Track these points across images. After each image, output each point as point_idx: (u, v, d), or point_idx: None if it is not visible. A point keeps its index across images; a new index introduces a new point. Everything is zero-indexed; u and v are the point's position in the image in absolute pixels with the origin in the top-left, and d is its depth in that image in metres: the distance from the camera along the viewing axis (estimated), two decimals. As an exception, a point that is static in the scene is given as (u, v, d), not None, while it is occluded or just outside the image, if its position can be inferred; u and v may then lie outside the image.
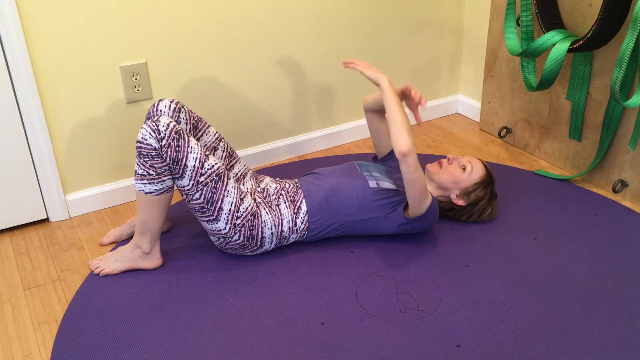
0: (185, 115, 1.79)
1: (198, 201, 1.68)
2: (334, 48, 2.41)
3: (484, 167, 1.94)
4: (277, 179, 1.96)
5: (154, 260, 1.79)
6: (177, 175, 1.66)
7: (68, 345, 1.53)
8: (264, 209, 1.78)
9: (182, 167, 1.63)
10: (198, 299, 1.67)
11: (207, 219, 1.72)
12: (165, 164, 1.64)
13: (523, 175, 2.28)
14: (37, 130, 1.94)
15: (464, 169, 1.91)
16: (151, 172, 1.64)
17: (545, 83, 2.09)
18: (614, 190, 2.11)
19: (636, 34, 1.77)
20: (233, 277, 1.76)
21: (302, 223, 1.81)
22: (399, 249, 1.86)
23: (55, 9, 1.85)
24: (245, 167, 1.94)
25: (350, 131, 2.59)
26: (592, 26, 1.91)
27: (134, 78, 2.04)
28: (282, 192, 1.85)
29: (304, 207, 1.81)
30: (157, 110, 1.78)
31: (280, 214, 1.79)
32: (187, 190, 1.68)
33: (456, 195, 1.91)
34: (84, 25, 1.91)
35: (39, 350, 1.54)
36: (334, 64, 2.43)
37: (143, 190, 1.67)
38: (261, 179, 1.95)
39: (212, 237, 1.78)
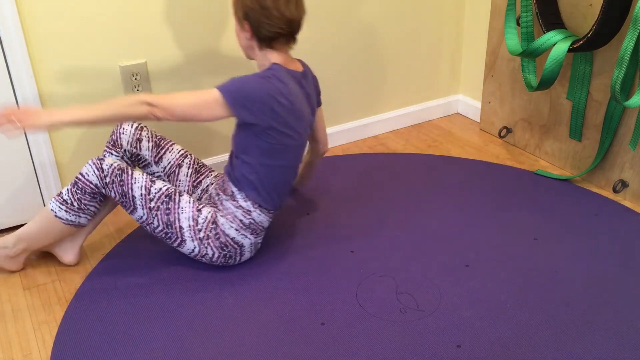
0: (147, 134, 1.85)
1: (159, 228, 1.70)
2: (334, 48, 2.41)
3: None
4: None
5: (14, 265, 1.80)
6: (130, 209, 1.70)
7: (68, 345, 1.53)
8: (217, 212, 1.71)
9: (130, 198, 1.68)
10: (198, 299, 1.67)
11: (177, 242, 1.72)
12: (92, 203, 1.70)
13: (523, 175, 2.28)
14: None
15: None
16: (75, 204, 1.69)
17: (545, 83, 2.09)
18: (614, 190, 2.10)
19: (636, 34, 1.77)
20: (233, 277, 1.76)
21: (245, 201, 1.70)
22: (399, 249, 1.86)
23: (55, 9, 1.85)
24: (216, 176, 1.90)
25: (350, 131, 2.59)
26: (593, 26, 1.91)
27: (134, 78, 2.04)
28: (216, 186, 1.79)
29: (233, 188, 1.72)
30: (120, 127, 1.82)
31: (226, 209, 1.72)
32: (145, 219, 1.70)
33: (243, 33, 1.67)
34: (83, 25, 1.91)
35: (38, 350, 1.54)
36: (333, 64, 2.43)
37: (55, 212, 1.70)
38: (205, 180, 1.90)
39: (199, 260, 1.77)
